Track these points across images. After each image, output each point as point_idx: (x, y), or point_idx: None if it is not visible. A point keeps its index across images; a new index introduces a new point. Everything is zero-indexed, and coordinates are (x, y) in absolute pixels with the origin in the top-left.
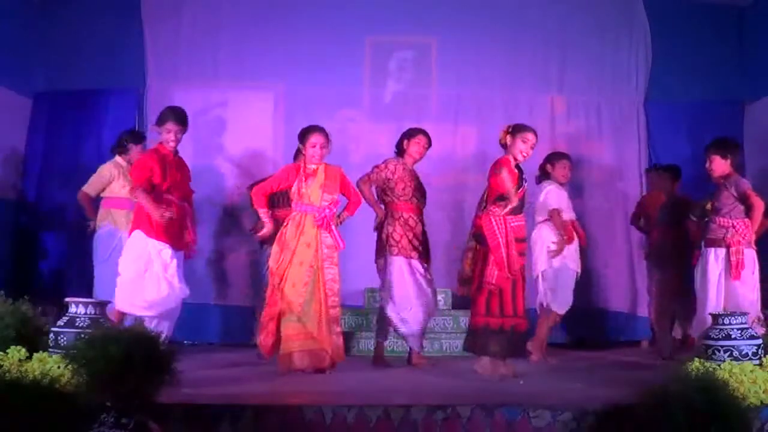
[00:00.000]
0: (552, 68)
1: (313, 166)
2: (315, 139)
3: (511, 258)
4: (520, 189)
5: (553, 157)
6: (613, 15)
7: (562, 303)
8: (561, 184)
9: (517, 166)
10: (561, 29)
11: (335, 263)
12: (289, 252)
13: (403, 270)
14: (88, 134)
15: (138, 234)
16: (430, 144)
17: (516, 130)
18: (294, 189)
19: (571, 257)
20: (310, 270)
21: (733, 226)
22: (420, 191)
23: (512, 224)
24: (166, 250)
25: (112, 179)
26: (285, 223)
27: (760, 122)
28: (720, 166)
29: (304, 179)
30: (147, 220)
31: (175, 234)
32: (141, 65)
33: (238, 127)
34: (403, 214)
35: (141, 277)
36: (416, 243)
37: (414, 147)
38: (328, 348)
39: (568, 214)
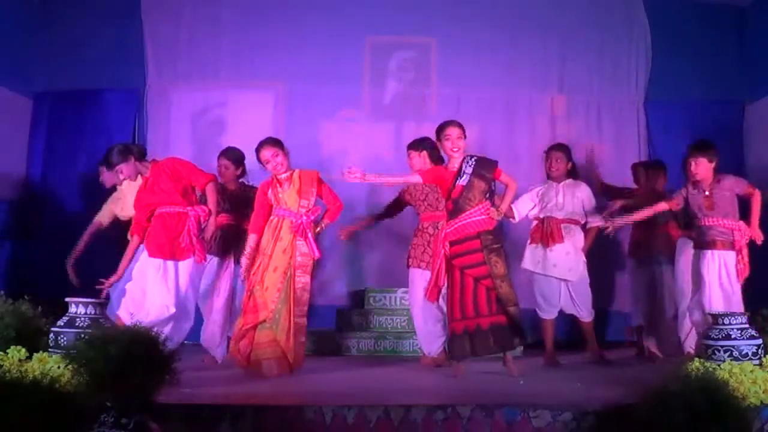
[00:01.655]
0: (552, 68)
1: (284, 175)
2: (265, 153)
3: (440, 275)
4: (455, 188)
5: (546, 152)
6: (614, 15)
7: (539, 306)
8: (553, 179)
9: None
10: (561, 29)
11: (308, 272)
12: (266, 257)
13: (414, 282)
14: (89, 134)
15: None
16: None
17: (438, 131)
18: (270, 195)
19: (529, 258)
20: (283, 276)
21: (739, 228)
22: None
23: (448, 230)
24: (151, 268)
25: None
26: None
27: (760, 122)
28: (706, 169)
29: (278, 185)
30: (148, 238)
31: (165, 245)
32: (141, 65)
33: (238, 127)
34: (423, 223)
35: (136, 289)
36: (431, 253)
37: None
38: (291, 357)
39: (540, 212)
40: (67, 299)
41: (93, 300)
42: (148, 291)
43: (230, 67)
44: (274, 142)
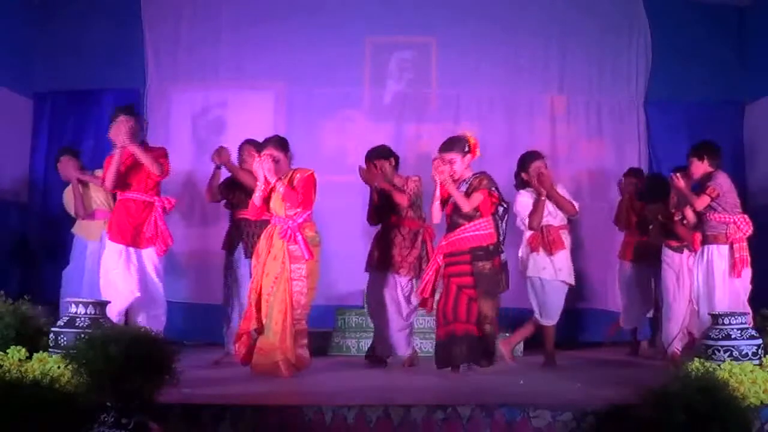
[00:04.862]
0: (552, 68)
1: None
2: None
3: (428, 286)
4: (447, 205)
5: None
6: (614, 15)
7: (545, 313)
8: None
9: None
10: (561, 29)
11: (304, 276)
12: (260, 264)
13: (375, 283)
14: (89, 134)
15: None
16: None
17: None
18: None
19: (533, 266)
20: (274, 282)
21: (734, 222)
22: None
23: (442, 243)
24: (114, 254)
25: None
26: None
27: (760, 122)
28: (697, 167)
29: (272, 191)
30: (109, 223)
31: (127, 232)
32: (141, 65)
33: (238, 127)
34: (403, 228)
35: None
36: (399, 258)
37: None
38: (292, 358)
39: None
40: (67, 299)
41: (93, 300)
42: (111, 277)
43: (230, 67)
44: (276, 143)
